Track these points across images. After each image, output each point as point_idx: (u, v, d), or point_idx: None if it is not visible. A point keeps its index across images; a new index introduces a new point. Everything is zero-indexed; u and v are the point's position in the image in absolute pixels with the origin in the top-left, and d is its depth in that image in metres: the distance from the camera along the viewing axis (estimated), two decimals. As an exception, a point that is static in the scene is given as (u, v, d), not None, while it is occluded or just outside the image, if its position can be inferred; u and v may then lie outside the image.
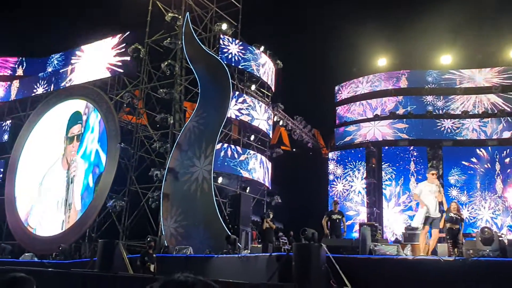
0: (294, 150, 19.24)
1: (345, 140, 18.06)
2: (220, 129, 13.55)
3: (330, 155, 18.18)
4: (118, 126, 14.93)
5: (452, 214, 9.39)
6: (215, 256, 9.41)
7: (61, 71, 17.65)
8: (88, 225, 14.51)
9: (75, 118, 16.43)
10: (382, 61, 18.22)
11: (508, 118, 16.03)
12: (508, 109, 16.15)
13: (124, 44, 15.96)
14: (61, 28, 18.27)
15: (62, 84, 17.37)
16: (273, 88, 18.06)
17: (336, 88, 19.26)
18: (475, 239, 8.49)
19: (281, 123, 18.13)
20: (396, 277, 7.34)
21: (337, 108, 19.03)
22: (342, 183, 17.30)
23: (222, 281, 7.28)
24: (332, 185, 17.48)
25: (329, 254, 7.21)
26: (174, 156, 13.13)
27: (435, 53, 17.47)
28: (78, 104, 16.51)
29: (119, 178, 14.38)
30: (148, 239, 10.32)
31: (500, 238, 8.09)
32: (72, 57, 17.50)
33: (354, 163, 17.22)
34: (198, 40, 14.75)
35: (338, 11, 18.37)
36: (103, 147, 15.02)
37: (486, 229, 7.75)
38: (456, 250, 8.79)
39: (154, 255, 9.61)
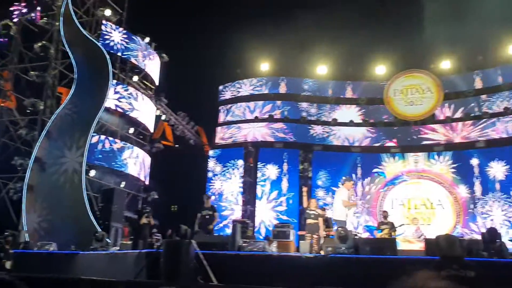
0: (177, 146, 19.09)
1: (226, 139, 18.41)
2: (96, 119, 12.98)
3: (211, 152, 18.39)
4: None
5: (309, 211, 10.17)
6: (81, 253, 9.01)
7: None
8: None
9: None
10: (264, 65, 18.88)
11: (371, 128, 17.60)
12: (370, 120, 17.76)
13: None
14: None
15: None
16: (156, 81, 17.77)
17: (220, 87, 19.56)
18: (334, 237, 9.26)
19: (163, 117, 17.88)
20: (262, 273, 7.67)
21: (220, 107, 19.32)
22: (221, 181, 17.61)
23: (86, 279, 7.02)
24: (211, 183, 17.70)
25: (198, 250, 7.33)
26: (42, 145, 12.28)
27: (312, 63, 18.58)
28: None
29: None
30: (6, 233, 9.53)
31: (354, 237, 8.95)
32: None
33: (232, 162, 17.63)
34: (78, 24, 13.97)
35: (228, 11, 18.70)
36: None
37: (340, 229, 8.47)
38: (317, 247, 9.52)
39: (11, 251, 8.91)
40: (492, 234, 8.97)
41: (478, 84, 17.00)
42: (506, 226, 14.88)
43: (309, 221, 10.56)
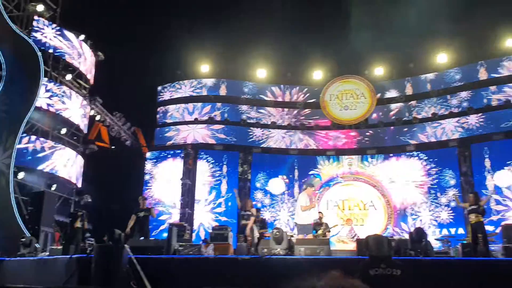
0: (113, 147, 18.54)
1: (164, 140, 18.14)
2: (25, 119, 12.37)
3: (148, 154, 18.04)
4: None
5: (243, 212, 10.29)
6: (7, 259, 8.55)
7: None
8: None
9: None
10: (205, 67, 18.81)
11: (308, 131, 18.02)
12: (307, 123, 18.18)
13: None
14: None
15: None
16: (91, 80, 17.20)
17: (159, 88, 19.25)
18: (270, 238, 9.39)
19: (98, 118, 17.31)
20: (198, 276, 7.64)
21: (159, 108, 19.01)
22: (158, 183, 17.32)
23: (11, 287, 6.68)
24: (148, 185, 17.37)
25: (132, 255, 7.18)
26: (-35, 146, 11.53)
27: (252, 66, 18.74)
28: None
29: None
30: None
31: (289, 238, 9.13)
32: None
33: (170, 164, 17.42)
34: (7, 18, 13.27)
35: (168, 11, 18.45)
36: None
37: (276, 230, 8.61)
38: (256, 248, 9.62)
39: None
40: (418, 234, 9.46)
41: (409, 90, 17.86)
42: (434, 226, 15.72)
43: (243, 222, 10.66)
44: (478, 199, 10.34)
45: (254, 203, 16.36)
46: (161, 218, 16.36)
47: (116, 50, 17.82)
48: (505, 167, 15.08)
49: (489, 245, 11.08)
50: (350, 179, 17.11)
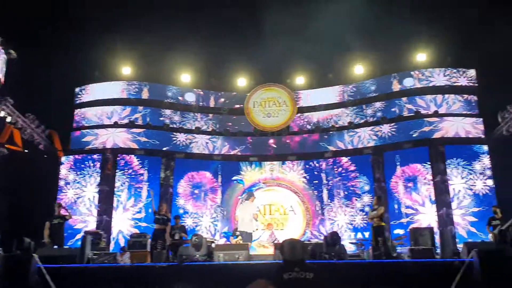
0: (26, 151, 17.43)
1: (81, 144, 17.39)
2: None
3: (63, 159, 17.18)
4: None
5: (158, 216, 10.19)
6: None
7: None
8: None
9: None
10: (126, 69, 18.33)
11: (232, 137, 18.15)
12: (230, 129, 18.32)
13: None
14: None
15: None
16: (2, 79, 16.12)
17: (77, 89, 18.45)
18: (190, 244, 9.35)
19: (9, 119, 16.23)
20: (112, 285, 7.44)
21: (76, 110, 18.19)
22: (74, 190, 16.56)
23: None
24: (63, 192, 16.55)
25: (41, 264, 6.84)
26: None
27: (176, 71, 18.57)
28: None
29: None
30: None
31: (208, 244, 9.16)
32: None
33: (88, 169, 16.73)
34: None
35: (88, 11, 17.74)
36: None
37: (195, 237, 8.61)
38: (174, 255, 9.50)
39: None
40: (333, 238, 9.89)
41: (328, 99, 18.58)
42: (349, 230, 16.45)
43: (157, 226, 10.55)
44: (381, 203, 11.05)
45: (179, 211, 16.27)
46: (77, 226, 15.68)
47: (31, 49, 16.83)
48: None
49: (396, 248, 11.84)
50: (272, 184, 17.47)
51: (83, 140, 17.38)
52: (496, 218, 11.02)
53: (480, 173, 15.65)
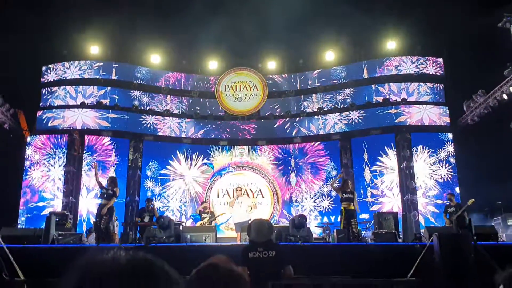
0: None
1: (48, 124, 16.98)
2: None
3: (29, 139, 16.77)
4: None
5: (104, 190, 9.80)
6: None
7: None
8: None
9: None
10: (95, 49, 17.91)
11: (202, 120, 18.06)
12: (201, 112, 18.22)
13: None
14: None
15: None
16: (-36, 56, 15.53)
17: (44, 68, 17.94)
18: (157, 226, 9.34)
19: (-29, 98, 15.71)
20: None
21: (43, 89, 17.72)
22: (40, 170, 16.22)
23: None
24: (28, 172, 16.19)
25: (3, 244, 6.73)
26: None
27: (146, 51, 18.27)
28: None
29: None
30: None
31: (176, 226, 9.18)
32: None
33: (54, 150, 16.39)
34: None
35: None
36: None
37: (162, 218, 8.60)
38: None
39: None
40: (300, 220, 10.05)
41: (298, 85, 18.69)
42: (315, 214, 16.73)
43: (103, 201, 9.85)
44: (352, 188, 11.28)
45: (149, 195, 16.13)
46: (40, 203, 15.42)
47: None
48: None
49: (361, 231, 12.14)
50: (240, 168, 17.55)
51: (49, 120, 16.97)
52: (451, 205, 11.39)
53: (444, 161, 16.10)
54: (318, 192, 16.99)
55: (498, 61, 14.51)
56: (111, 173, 16.23)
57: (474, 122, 15.94)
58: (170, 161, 17.22)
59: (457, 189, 15.42)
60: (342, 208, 10.86)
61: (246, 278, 1.96)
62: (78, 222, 15.44)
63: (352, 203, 10.84)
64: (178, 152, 17.37)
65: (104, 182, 10.03)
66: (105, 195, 9.46)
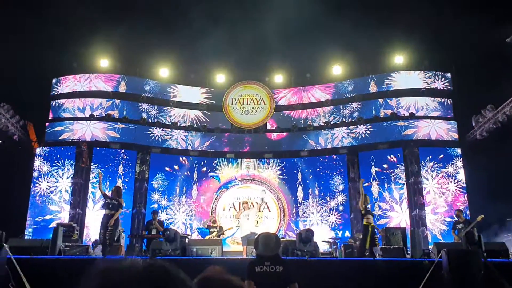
0: (0, 141, 17.05)
1: (56, 136, 17.11)
2: None
3: (38, 150, 16.87)
4: None
5: (109, 201, 9.64)
6: None
7: None
8: None
9: None
10: (104, 62, 18.10)
11: (209, 133, 18.11)
12: (208, 125, 18.27)
13: None
14: None
15: None
16: (-26, 67, 15.73)
17: (54, 80, 18.15)
18: (163, 239, 9.32)
19: (-18, 109, 15.86)
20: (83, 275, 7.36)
21: (52, 102, 17.90)
22: (47, 181, 16.28)
23: None
24: (36, 183, 16.26)
25: (11, 255, 6.74)
26: None
27: (154, 65, 18.43)
28: None
29: None
30: None
31: (182, 239, 9.15)
32: None
33: (62, 161, 16.46)
34: None
35: (66, 2, 17.42)
36: None
37: (168, 231, 8.58)
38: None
39: None
40: (306, 235, 9.98)
41: (306, 99, 18.71)
42: (323, 228, 16.60)
43: (107, 211, 9.65)
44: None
45: (153, 206, 16.13)
46: (47, 216, 15.46)
47: (6, 38, 16.46)
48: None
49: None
50: (247, 181, 17.51)
51: (58, 132, 17.10)
52: (460, 221, 11.24)
53: (453, 176, 15.97)
54: (325, 206, 16.88)
55: (507, 76, 14.45)
56: (119, 183, 16.25)
57: (483, 137, 15.84)
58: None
59: (466, 205, 15.26)
60: (368, 223, 10.34)
61: None
62: (90, 235, 15.43)
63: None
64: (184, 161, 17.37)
65: (108, 193, 10.00)
66: (110, 205, 9.37)
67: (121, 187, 11.00)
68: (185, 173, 17.30)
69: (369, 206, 10.74)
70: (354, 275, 8.10)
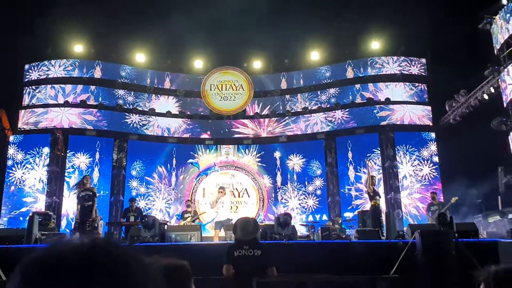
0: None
1: (31, 123, 16.79)
2: None
3: (12, 138, 16.55)
4: None
5: (83, 193, 9.72)
6: None
7: None
8: None
9: None
10: (78, 47, 17.75)
11: (187, 119, 18.02)
12: (188, 112, 18.18)
13: None
14: None
15: None
16: None
17: (26, 66, 17.73)
18: (141, 226, 9.32)
19: (-48, 96, 15.47)
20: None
21: (25, 88, 17.51)
22: (22, 170, 16.03)
23: None
24: (11, 171, 15.99)
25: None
26: None
27: (131, 50, 18.17)
28: None
29: None
30: None
31: (161, 225, 9.17)
32: None
33: (37, 149, 16.20)
34: None
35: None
36: None
37: (146, 218, 8.60)
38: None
39: None
40: (284, 220, 10.11)
41: (283, 85, 18.76)
42: (301, 212, 16.82)
43: (83, 203, 9.75)
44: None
45: (131, 193, 16.04)
46: (25, 199, 15.28)
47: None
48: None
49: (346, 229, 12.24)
50: (226, 167, 17.55)
51: (32, 119, 16.78)
52: (434, 203, 11.54)
53: (427, 160, 16.31)
54: (303, 191, 17.07)
55: (479, 62, 14.77)
56: (95, 172, 16.12)
57: (456, 121, 16.19)
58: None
59: (440, 188, 15.64)
60: (378, 204, 11.01)
61: (189, 268, 2.04)
62: (66, 222, 15.31)
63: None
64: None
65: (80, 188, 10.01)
66: (86, 197, 9.44)
67: (89, 175, 11.09)
68: (164, 160, 17.21)
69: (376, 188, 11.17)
70: (331, 256, 8.27)
